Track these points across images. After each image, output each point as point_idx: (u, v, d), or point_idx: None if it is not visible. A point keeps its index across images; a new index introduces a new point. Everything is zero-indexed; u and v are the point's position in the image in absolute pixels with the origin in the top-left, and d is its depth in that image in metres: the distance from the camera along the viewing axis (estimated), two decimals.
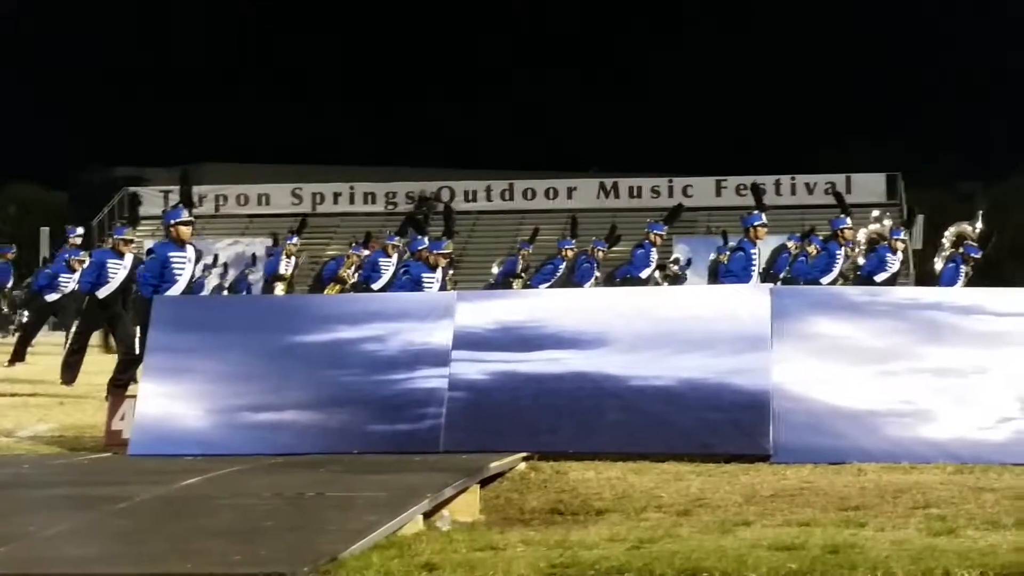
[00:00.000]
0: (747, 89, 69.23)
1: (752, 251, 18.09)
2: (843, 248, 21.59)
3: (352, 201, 51.31)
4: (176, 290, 15.08)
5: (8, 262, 34.37)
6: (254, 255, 37.40)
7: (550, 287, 24.10)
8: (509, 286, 26.13)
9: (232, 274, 36.18)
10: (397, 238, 23.59)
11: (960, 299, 11.73)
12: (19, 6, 64.18)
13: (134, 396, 11.78)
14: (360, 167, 58.02)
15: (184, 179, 16.50)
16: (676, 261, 33.68)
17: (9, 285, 33.23)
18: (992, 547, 6.98)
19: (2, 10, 63.20)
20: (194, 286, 16.80)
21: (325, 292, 26.95)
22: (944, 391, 10.60)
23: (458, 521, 8.15)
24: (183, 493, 8.64)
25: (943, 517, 7.87)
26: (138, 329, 15.99)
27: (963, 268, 23.60)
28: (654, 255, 25.08)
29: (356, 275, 27.01)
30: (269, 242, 33.19)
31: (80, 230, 24.42)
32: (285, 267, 29.16)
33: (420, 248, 19.47)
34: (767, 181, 46.01)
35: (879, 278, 21.50)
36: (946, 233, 26.19)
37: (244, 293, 33.94)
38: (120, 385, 15.26)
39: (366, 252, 27.99)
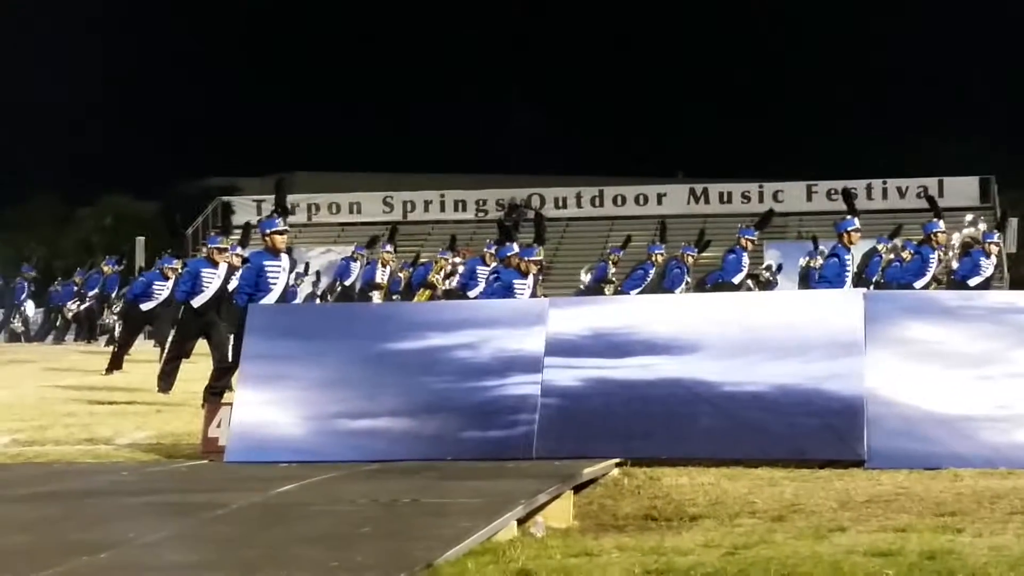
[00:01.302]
0: (838, 92, 68.75)
1: (846, 257, 17.97)
2: (936, 252, 21.42)
3: (443, 209, 51.42)
4: (271, 299, 15.20)
5: (117, 274, 35.14)
6: (308, 264, 37.35)
7: (640, 292, 24.07)
8: (601, 292, 26.11)
9: (324, 283, 36.35)
10: (495, 247, 23.61)
11: None
12: (114, 24, 64.98)
13: (230, 404, 11.88)
14: (450, 175, 58.20)
15: (279, 188, 16.64)
16: (768, 268, 33.53)
17: (114, 294, 33.85)
18: None
19: (98, 26, 63.99)
20: (287, 295, 16.92)
21: (415, 298, 27.09)
22: None
23: (552, 527, 8.19)
24: (280, 500, 8.73)
25: None
26: (232, 337, 16.17)
27: None
28: (746, 260, 24.98)
29: (446, 281, 27.13)
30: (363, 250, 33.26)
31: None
32: (381, 276, 29.29)
33: (510, 254, 19.51)
34: (858, 185, 45.63)
35: (973, 282, 21.32)
36: None
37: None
38: (216, 393, 15.40)
39: (457, 258, 28.13)
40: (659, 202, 49.74)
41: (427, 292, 27.35)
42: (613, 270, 27.87)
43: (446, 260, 28.24)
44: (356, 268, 31.88)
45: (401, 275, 30.30)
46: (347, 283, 31.71)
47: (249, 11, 70.66)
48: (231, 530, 7.65)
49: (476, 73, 71.58)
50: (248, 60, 69.84)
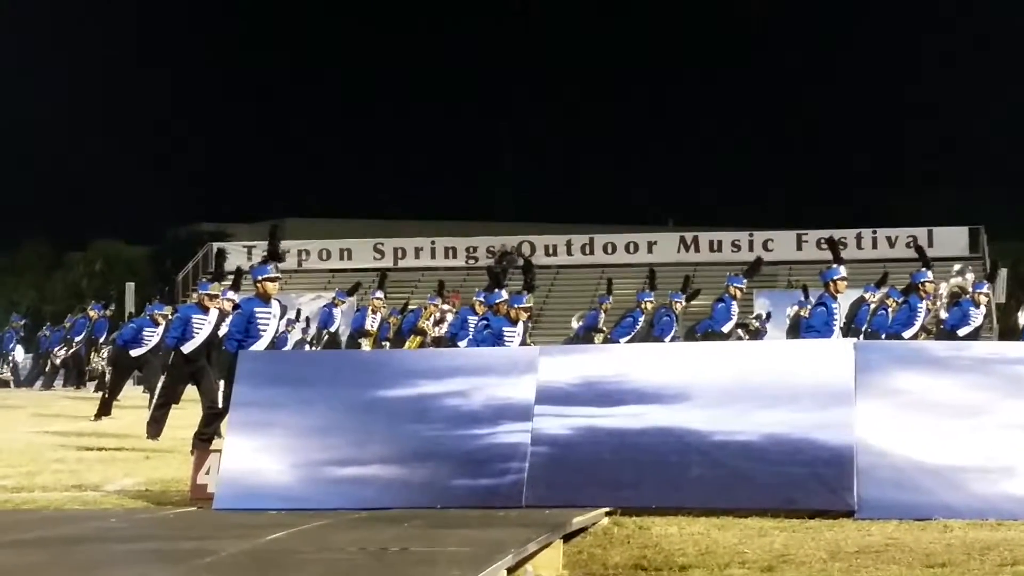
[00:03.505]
0: (829, 142, 69.06)
1: (833, 305, 17.98)
2: (924, 301, 21.47)
3: (433, 256, 51.53)
4: (261, 345, 15.21)
5: (105, 319, 35.20)
6: (299, 310, 37.29)
7: (630, 340, 24.07)
8: (591, 340, 26.11)
9: (314, 329, 36.35)
10: (484, 295, 23.59)
11: None
12: (109, 70, 65.16)
13: (219, 450, 11.85)
14: (441, 221, 58.34)
15: (272, 235, 16.64)
16: (758, 317, 33.59)
17: (101, 340, 33.87)
18: None
19: (92, 72, 64.17)
20: (277, 341, 16.91)
21: (406, 345, 27.10)
22: None
23: None
24: (269, 547, 8.69)
25: None
26: (222, 383, 16.15)
27: None
28: (735, 309, 25.02)
29: (436, 327, 27.11)
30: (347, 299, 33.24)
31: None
32: (371, 322, 29.28)
33: (499, 301, 19.53)
34: (848, 235, 45.82)
35: (962, 332, 21.38)
36: None
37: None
38: (205, 439, 15.39)
39: (446, 305, 28.12)
40: (649, 250, 49.88)
41: (418, 339, 27.37)
42: (603, 318, 27.85)
43: (435, 306, 28.24)
44: (339, 315, 31.90)
45: (391, 322, 30.29)
46: (332, 330, 31.70)
47: (242, 57, 70.91)
48: None
49: (467, 121, 71.86)
50: (240, 106, 70.00)
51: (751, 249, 47.35)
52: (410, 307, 31.99)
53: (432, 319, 27.81)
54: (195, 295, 20.64)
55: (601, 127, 70.87)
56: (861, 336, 23.34)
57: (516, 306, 18.36)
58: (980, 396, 10.74)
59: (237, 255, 42.19)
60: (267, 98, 71.87)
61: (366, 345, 28.50)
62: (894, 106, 68.78)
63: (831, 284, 17.98)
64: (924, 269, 21.66)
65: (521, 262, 23.10)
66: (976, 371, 10.91)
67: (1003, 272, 39.48)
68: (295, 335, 35.26)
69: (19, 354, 40.10)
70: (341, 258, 51.93)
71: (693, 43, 73.35)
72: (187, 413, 18.92)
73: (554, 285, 48.14)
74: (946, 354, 11.46)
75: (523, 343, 18.35)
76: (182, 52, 70.41)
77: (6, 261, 57.18)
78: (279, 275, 15.85)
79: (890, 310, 23.35)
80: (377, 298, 29.98)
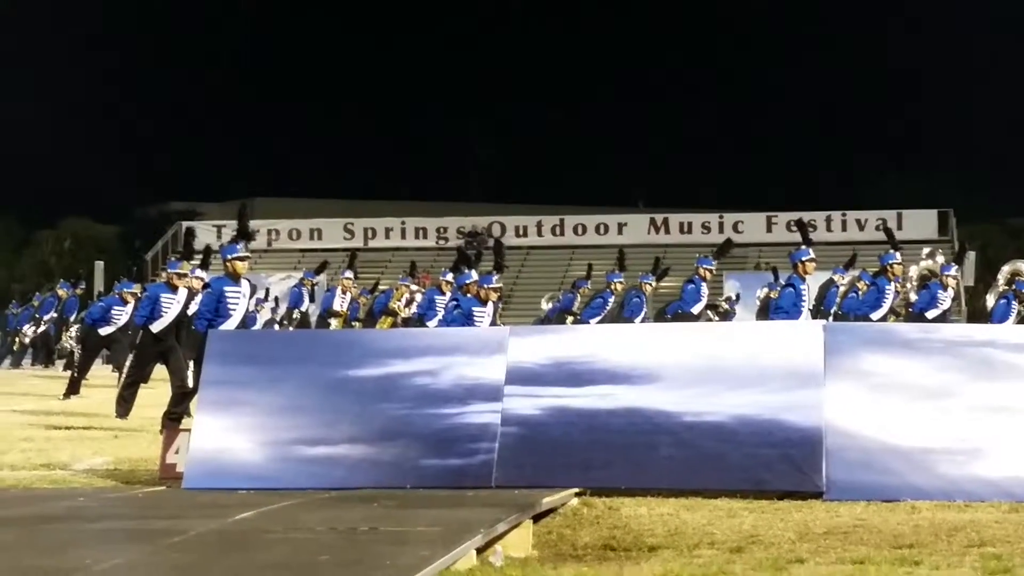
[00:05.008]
0: (801, 125, 69.14)
1: (802, 287, 18.01)
2: (892, 284, 21.50)
3: (403, 236, 51.47)
4: (230, 324, 15.17)
5: (74, 297, 35.03)
6: (268, 290, 37.16)
7: (600, 321, 24.08)
8: (563, 322, 26.11)
9: (283, 309, 36.24)
10: (451, 275, 23.55)
11: (1014, 336, 11.69)
12: (77, 49, 64.77)
13: (188, 429, 11.83)
14: (411, 202, 58.25)
15: (242, 214, 16.59)
16: (728, 299, 33.60)
17: (71, 319, 33.71)
18: None
19: (61, 50, 63.79)
20: (247, 321, 16.86)
21: (377, 325, 27.04)
22: (998, 428, 10.55)
23: (511, 556, 8.17)
24: (238, 527, 8.68)
25: (998, 556, 7.84)
26: (191, 363, 16.10)
27: (1015, 305, 23.52)
28: (704, 290, 24.98)
29: (407, 308, 27.07)
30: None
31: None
32: (340, 302, 29.21)
33: (469, 282, 19.49)
34: (818, 217, 45.92)
35: (931, 315, 21.42)
36: (1001, 270, 26.14)
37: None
38: (174, 418, 15.35)
39: (415, 286, 28.08)
40: (620, 231, 49.92)
41: (389, 320, 27.32)
42: (579, 301, 27.80)
43: (406, 287, 28.20)
44: (307, 294, 31.81)
45: (361, 301, 30.23)
46: (302, 309, 31.63)
47: (211, 38, 70.64)
48: (189, 557, 7.59)
49: (438, 102, 71.74)
50: (209, 85, 69.69)
51: (721, 231, 47.49)
52: (380, 287, 31.92)
53: (404, 300, 27.75)
54: (164, 274, 20.56)
55: (571, 109, 70.87)
56: (830, 318, 23.40)
57: (486, 286, 18.31)
58: (948, 378, 10.78)
59: (207, 234, 42.28)
60: (238, 77, 71.60)
61: (336, 325, 28.43)
62: (864, 89, 68.94)
63: (800, 265, 18.01)
64: (892, 251, 21.68)
65: (491, 242, 23.10)
66: (945, 353, 10.95)
67: (971, 255, 39.67)
68: (264, 315, 35.15)
69: None
70: (311, 238, 51.83)
71: (661, 28, 73.42)
72: (156, 392, 18.87)
73: (524, 266, 48.15)
74: (915, 336, 11.49)
75: (493, 323, 18.33)
76: (152, 30, 70.06)
77: None
78: (249, 254, 15.82)
79: (860, 292, 23.39)
80: (347, 278, 29.89)
